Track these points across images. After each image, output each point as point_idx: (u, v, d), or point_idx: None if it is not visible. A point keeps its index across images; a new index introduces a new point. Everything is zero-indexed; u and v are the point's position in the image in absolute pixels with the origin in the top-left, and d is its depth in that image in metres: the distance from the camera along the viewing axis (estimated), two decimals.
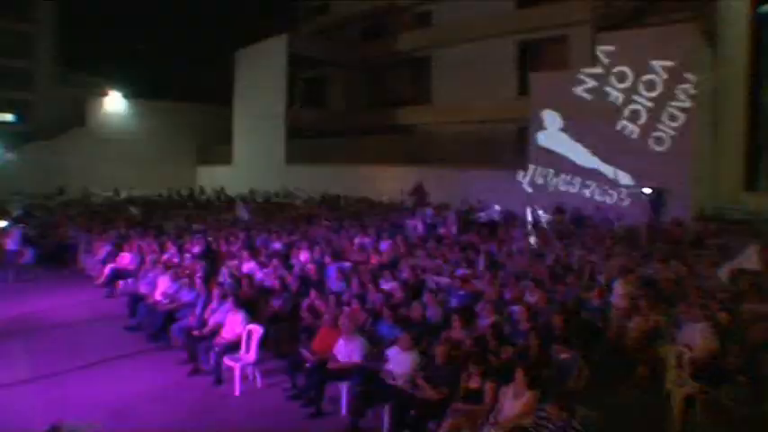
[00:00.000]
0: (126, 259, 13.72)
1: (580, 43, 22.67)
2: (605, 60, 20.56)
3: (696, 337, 7.33)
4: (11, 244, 14.89)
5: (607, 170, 20.44)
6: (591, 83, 20.98)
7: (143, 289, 11.47)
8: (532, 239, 14.43)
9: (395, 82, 34.24)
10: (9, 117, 42.04)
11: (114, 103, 38.69)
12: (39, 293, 13.49)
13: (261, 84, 34.20)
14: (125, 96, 38.87)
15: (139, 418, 7.18)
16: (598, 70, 20.82)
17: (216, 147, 39.32)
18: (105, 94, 38.58)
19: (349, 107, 35.26)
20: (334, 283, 10.82)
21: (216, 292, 9.68)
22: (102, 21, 43.67)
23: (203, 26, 45.32)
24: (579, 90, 21.25)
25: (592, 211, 19.16)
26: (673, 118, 18.99)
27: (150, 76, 41.82)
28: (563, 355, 6.69)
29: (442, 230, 16.85)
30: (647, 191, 17.95)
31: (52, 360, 8.93)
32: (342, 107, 35.54)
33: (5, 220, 17.13)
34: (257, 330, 8.34)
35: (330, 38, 35.86)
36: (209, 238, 15.01)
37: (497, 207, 19.40)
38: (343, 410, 7.09)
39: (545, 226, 16.47)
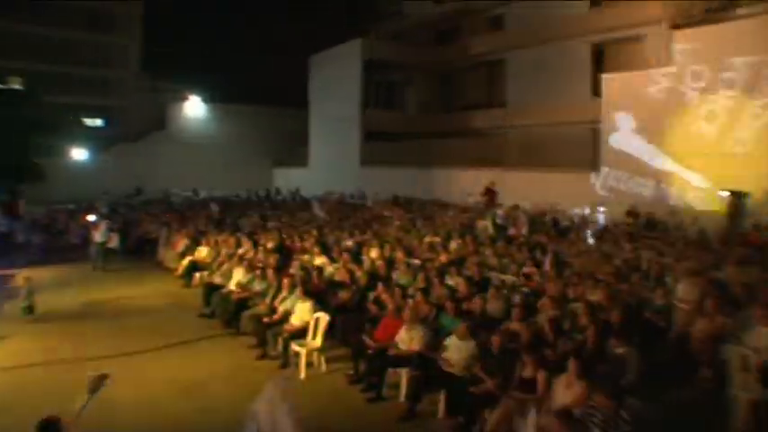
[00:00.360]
0: (203, 252, 14.54)
1: (656, 42, 22.09)
2: (682, 59, 19.96)
3: (764, 341, 7.12)
4: (98, 236, 16.21)
5: (683, 172, 19.82)
6: (666, 83, 20.41)
7: (218, 279, 12.27)
8: (593, 239, 14.29)
9: (468, 85, 34.31)
10: (99, 122, 44.87)
11: (194, 108, 40.57)
12: (122, 282, 14.74)
13: (336, 87, 35.04)
14: (204, 101, 40.72)
15: (209, 394, 7.77)
16: (673, 69, 20.23)
17: (292, 149, 40.43)
18: (186, 99, 40.47)
19: (422, 110, 35.60)
20: (401, 277, 11.11)
21: (286, 282, 10.18)
22: (184, 30, 46.08)
23: (280, 32, 46.93)
24: (653, 90, 20.69)
25: (666, 214, 18.61)
26: (755, 117, 18.17)
27: (228, 81, 43.70)
28: (619, 350, 6.73)
29: (511, 231, 16.91)
30: (725, 194, 17.27)
31: (134, 340, 9.76)
32: (416, 110, 35.92)
33: (94, 215, 18.41)
34: (324, 318, 8.78)
35: (404, 42, 36.34)
36: (283, 235, 15.71)
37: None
38: (402, 396, 7.33)
39: (614, 228, 16.20)
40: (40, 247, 18.56)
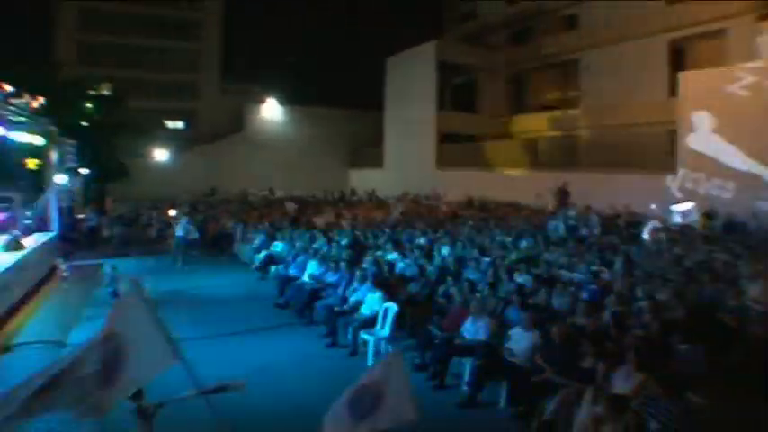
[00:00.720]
0: (279, 247, 15.29)
1: (739, 37, 21.33)
2: None
3: None
4: (179, 230, 17.33)
5: (766, 173, 19.09)
6: (750, 78, 19.62)
7: (292, 272, 12.95)
8: (667, 241, 14.09)
9: (541, 86, 34.08)
10: (180, 124, 47.15)
11: (270, 110, 41.91)
12: (201, 274, 15.81)
13: (411, 89, 35.55)
14: (280, 103, 42.01)
15: (281, 377, 8.27)
16: (760, 64, 19.45)
17: (367, 151, 41.15)
18: (262, 102, 41.88)
19: (494, 112, 35.59)
20: (471, 273, 11.41)
21: (358, 274, 10.68)
22: (260, 34, 47.64)
23: (355, 35, 47.85)
24: (735, 87, 19.93)
25: (747, 217, 18.01)
26: None
27: (304, 83, 44.83)
28: (682, 346, 6.80)
29: (583, 231, 16.89)
30: None
31: (212, 326, 10.49)
32: (488, 112, 35.95)
33: (175, 210, 19.60)
34: (393, 308, 9.19)
35: (477, 43, 36.45)
36: (357, 232, 16.30)
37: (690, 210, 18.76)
38: (465, 384, 7.63)
39: (690, 230, 15.88)
40: (124, 239, 19.97)
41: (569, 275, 11.13)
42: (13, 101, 13.31)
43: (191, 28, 47.84)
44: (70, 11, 43.68)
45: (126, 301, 3.92)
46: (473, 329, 8.09)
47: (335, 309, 10.12)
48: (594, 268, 11.42)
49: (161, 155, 37.97)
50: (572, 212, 19.56)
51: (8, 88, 12.64)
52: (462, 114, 35.81)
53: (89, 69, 34.35)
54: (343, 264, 11.75)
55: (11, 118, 13.76)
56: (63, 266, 14.01)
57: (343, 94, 43.06)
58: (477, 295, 9.19)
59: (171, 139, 40.77)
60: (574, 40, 30.37)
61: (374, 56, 39.16)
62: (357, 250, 14.09)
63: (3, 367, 8.44)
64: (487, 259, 12.59)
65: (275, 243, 15.84)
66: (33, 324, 10.65)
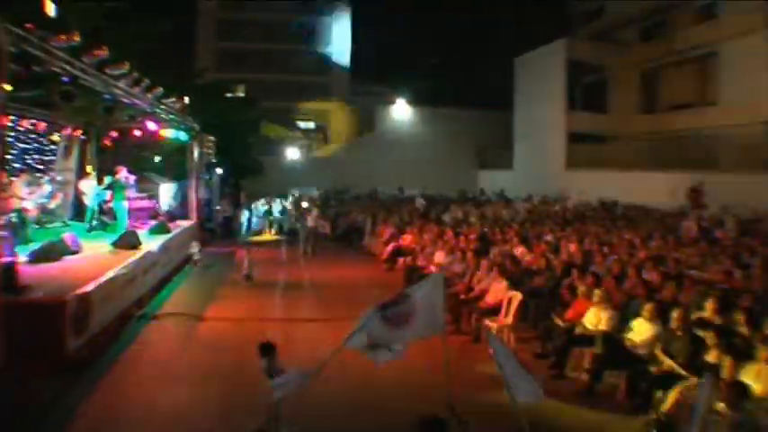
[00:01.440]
0: (407, 240, 15.80)
1: None
2: None
3: None
4: (310, 221, 18.41)
5: None
6: None
7: (420, 262, 13.42)
8: None
9: (674, 83, 32.19)
10: (311, 125, 49.38)
11: (400, 110, 42.79)
12: (329, 263, 16.70)
13: (540, 89, 35.03)
14: (410, 104, 42.79)
15: (405, 361, 8.45)
16: None
17: (496, 151, 40.89)
18: (392, 102, 42.87)
19: (625, 111, 34.14)
20: (596, 268, 11.16)
21: (484, 263, 10.84)
22: (388, 37, 48.90)
23: (482, 35, 47.79)
24: None
25: None
26: None
27: (433, 84, 45.37)
28: None
29: (718, 233, 15.96)
30: None
31: (335, 309, 11.07)
32: (618, 111, 34.57)
33: (307, 202, 20.76)
34: (517, 297, 9.28)
35: (607, 40, 35.20)
36: (485, 229, 16.44)
37: None
38: (584, 374, 7.59)
39: None
40: (258, 230, 21.66)
41: (699, 274, 10.74)
42: (164, 101, 14.76)
43: (319, 34, 50.31)
44: (209, 23, 47.85)
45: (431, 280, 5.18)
46: (595, 319, 8.02)
47: (460, 297, 10.29)
48: (728, 269, 10.83)
49: (293, 153, 39.84)
50: (705, 214, 18.79)
51: (160, 90, 13.89)
52: (592, 114, 34.68)
53: (226, 74, 36.90)
54: (470, 254, 11.91)
55: (162, 116, 15.45)
56: (197, 252, 15.25)
57: (472, 95, 43.09)
58: (602, 287, 9.00)
59: (302, 138, 42.81)
60: (712, 32, 28.31)
61: (502, 56, 38.92)
62: (484, 244, 14.20)
63: (152, 333, 9.67)
64: (614, 257, 12.25)
65: (404, 235, 16.40)
66: (175, 299, 12.05)
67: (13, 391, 6.36)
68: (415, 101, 42.74)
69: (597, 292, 8.44)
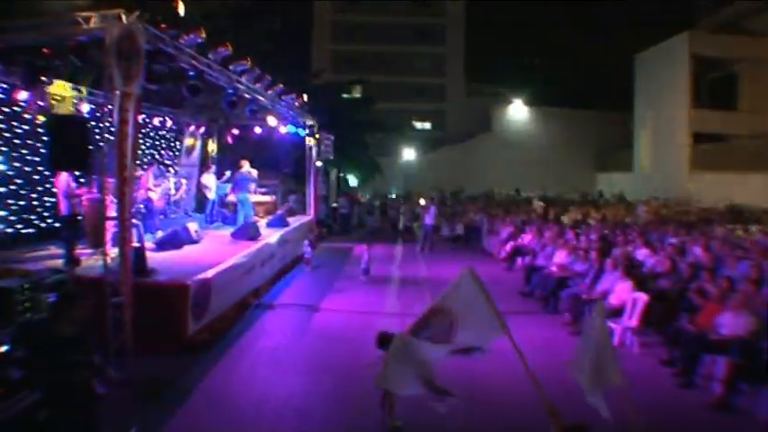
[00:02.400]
0: (527, 239, 15.45)
1: None
2: None
3: None
4: (428, 218, 18.44)
5: None
6: None
7: (540, 262, 13.01)
8: None
9: None
10: (427, 125, 49.67)
11: (516, 111, 42.13)
12: (446, 262, 16.59)
13: (662, 87, 33.16)
14: (526, 104, 42.00)
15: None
16: None
17: (615, 153, 39.36)
18: (508, 103, 42.28)
19: (758, 108, 31.32)
20: (728, 271, 10.34)
21: (608, 262, 10.32)
22: (503, 36, 48.18)
23: (599, 33, 45.90)
24: None
25: None
26: None
27: (549, 84, 44.32)
28: None
29: None
30: None
31: None
32: (752, 108, 31.81)
33: (424, 199, 20.91)
34: (642, 298, 8.71)
35: (734, 32, 32.45)
36: (605, 231, 15.80)
37: None
38: (716, 385, 6.97)
39: None
40: (374, 227, 22.20)
41: None
42: (283, 97, 15.20)
43: (435, 35, 50.31)
44: (324, 26, 49.11)
45: (459, 281, 4.61)
46: (731, 325, 7.27)
47: (582, 297, 9.87)
48: None
49: (409, 154, 40.24)
50: None
51: (280, 86, 14.36)
52: (720, 112, 32.20)
53: (342, 75, 37.79)
54: (594, 253, 11.40)
55: (282, 112, 15.88)
56: (309, 251, 15.57)
57: (589, 95, 42.07)
58: (739, 291, 8.25)
59: (419, 139, 43.12)
60: None
61: (619, 54, 37.28)
62: (606, 245, 13.61)
63: (268, 321, 9.94)
64: (747, 261, 11.28)
65: (523, 235, 16.09)
66: (291, 290, 12.44)
67: (138, 366, 6.72)
68: (531, 101, 42.08)
69: (735, 296, 7.73)
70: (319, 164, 20.27)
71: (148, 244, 10.71)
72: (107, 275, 6.93)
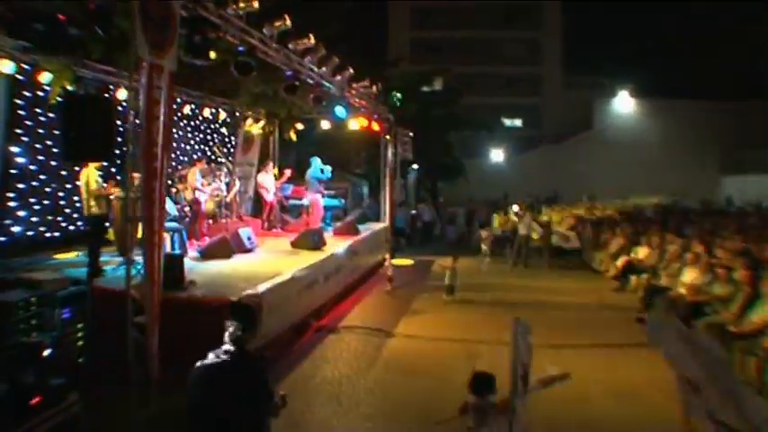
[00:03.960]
0: (643, 253, 14.37)
1: None
2: None
3: None
4: (522, 228, 17.62)
5: None
6: None
7: (664, 281, 11.94)
8: None
9: None
10: (518, 122, 48.39)
11: (622, 104, 40.34)
12: (545, 278, 16.11)
13: None
14: (634, 96, 40.11)
15: (643, 401, 7.43)
16: None
17: (746, 151, 36.82)
18: (612, 95, 40.56)
19: None
20: None
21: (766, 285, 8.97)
22: (607, 18, 46.32)
23: (715, 11, 43.28)
24: None
25: None
26: None
27: (661, 71, 42.36)
28: None
29: None
30: None
31: (557, 334, 10.00)
32: None
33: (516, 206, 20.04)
34: None
35: None
36: (747, 244, 14.30)
37: None
38: None
39: None
40: (461, 238, 21.50)
41: None
42: (355, 85, 14.61)
43: (528, 16, 48.97)
44: (402, 11, 48.64)
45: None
46: None
47: (729, 328, 8.59)
48: None
49: (496, 155, 39.05)
50: None
51: (350, 71, 13.73)
52: None
53: (422, 66, 37.08)
54: (744, 272, 9.97)
55: (352, 103, 15.18)
56: (390, 262, 14.85)
57: (713, 83, 39.77)
58: None
59: (508, 138, 41.86)
60: None
61: (753, 34, 34.88)
62: (753, 262, 12.10)
63: (330, 348, 9.35)
64: None
65: (637, 248, 14.92)
66: (361, 310, 11.88)
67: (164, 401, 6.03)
68: (639, 92, 40.26)
69: None
70: (397, 165, 19.65)
71: (192, 252, 10.48)
72: (130, 289, 6.26)
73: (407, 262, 17.80)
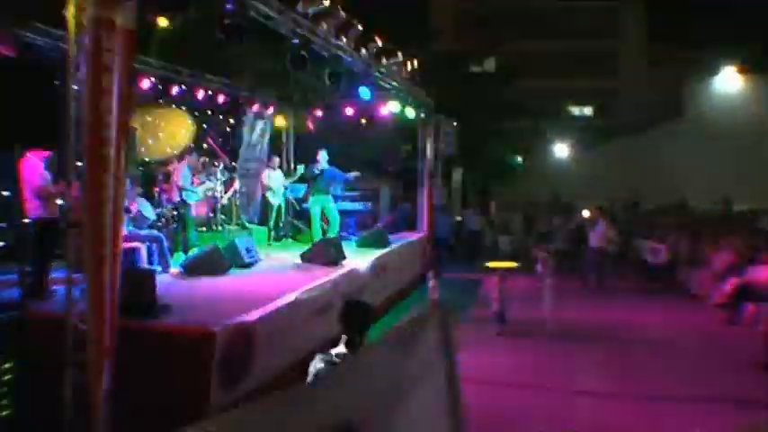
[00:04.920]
0: (762, 274, 13.57)
1: None
2: None
3: None
4: (595, 240, 17.19)
5: None
6: None
7: None
8: None
9: None
10: (587, 110, 47.46)
11: (725, 83, 39.18)
12: (627, 303, 15.55)
13: None
14: (743, 72, 38.91)
15: None
16: None
17: None
18: (713, 72, 39.43)
19: None
20: None
21: None
22: None
23: None
24: None
25: None
26: None
27: None
28: None
29: None
30: None
31: (646, 379, 9.63)
32: None
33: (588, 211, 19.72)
34: None
35: None
36: None
37: None
38: None
39: None
40: (516, 250, 21.02)
41: None
42: (385, 61, 14.18)
43: None
44: None
45: None
46: None
47: None
48: None
49: (561, 150, 38.34)
50: None
51: (377, 43, 13.37)
52: None
53: (469, 42, 36.72)
54: None
55: (380, 82, 14.62)
56: (432, 280, 14.22)
57: None
58: None
59: (575, 128, 41.05)
60: None
61: None
62: None
63: None
64: None
65: (754, 267, 14.18)
66: None
67: None
68: (750, 69, 38.65)
69: None
70: (437, 163, 19.29)
71: (173, 269, 10.13)
72: (71, 315, 5.78)
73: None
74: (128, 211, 9.08)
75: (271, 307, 8.11)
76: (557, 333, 12.24)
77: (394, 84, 15.25)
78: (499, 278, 12.90)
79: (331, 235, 13.81)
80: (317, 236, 13.69)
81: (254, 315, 7.61)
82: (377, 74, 14.03)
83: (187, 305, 7.83)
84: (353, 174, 15.07)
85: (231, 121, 16.74)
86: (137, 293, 6.85)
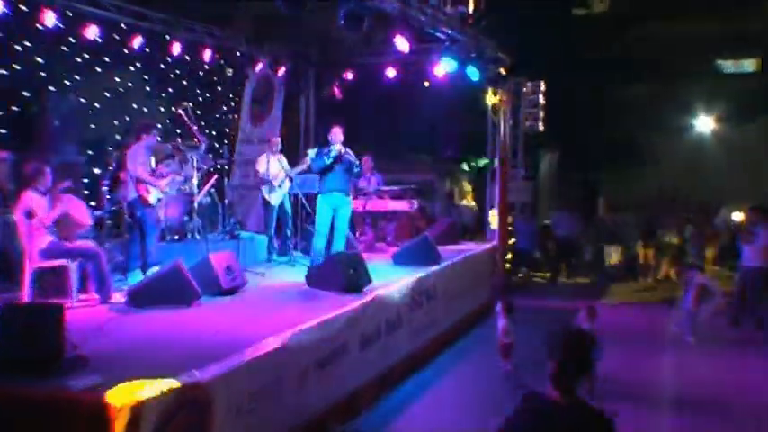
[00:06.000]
0: None
1: None
2: None
3: None
4: (749, 257, 16.48)
5: None
6: None
7: None
8: None
9: None
10: (748, 64, 46.25)
11: None
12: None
13: None
14: None
15: None
16: None
17: None
18: None
19: None
20: None
21: None
22: None
23: None
24: None
25: None
26: None
27: None
28: None
29: None
30: None
31: None
32: None
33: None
34: None
35: None
36: None
37: None
38: None
39: None
40: (624, 264, 21.35)
41: None
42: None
43: None
44: None
45: None
46: None
47: None
48: None
49: (705, 124, 37.47)
50: None
51: None
52: None
53: None
54: None
55: (431, 30, 14.54)
56: (503, 316, 13.69)
57: None
58: None
59: (728, 93, 40.20)
60: None
61: None
62: None
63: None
64: None
65: None
66: (429, 401, 11.25)
67: None
68: None
69: None
70: (516, 145, 19.36)
71: (116, 296, 9.82)
72: None
73: None
74: (30, 215, 8.68)
75: (241, 359, 7.47)
76: (674, 402, 11.43)
77: (448, 32, 15.06)
78: (587, 308, 11.95)
79: (337, 249, 13.24)
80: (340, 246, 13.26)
81: (210, 371, 6.90)
82: (420, 16, 13.79)
83: (117, 356, 7.36)
84: (365, 161, 14.90)
85: (219, 88, 16.75)
86: (31, 339, 6.41)
